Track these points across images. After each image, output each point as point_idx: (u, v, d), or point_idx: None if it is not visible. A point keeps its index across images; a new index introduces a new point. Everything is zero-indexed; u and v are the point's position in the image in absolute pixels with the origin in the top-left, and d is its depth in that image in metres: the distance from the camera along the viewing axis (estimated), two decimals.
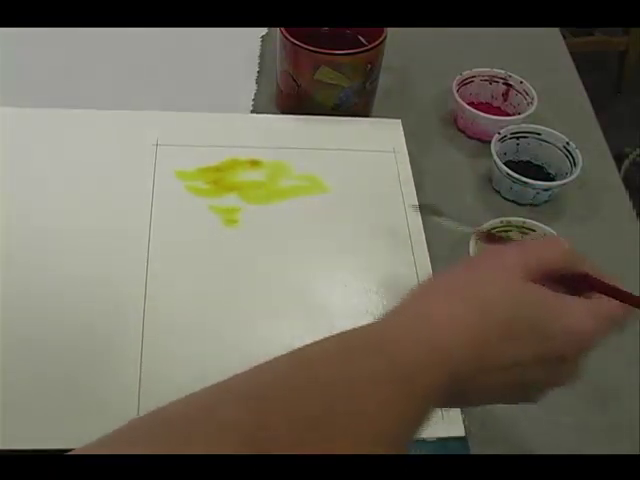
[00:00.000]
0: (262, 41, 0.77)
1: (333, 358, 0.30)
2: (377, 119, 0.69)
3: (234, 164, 0.62)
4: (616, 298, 0.36)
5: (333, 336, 0.31)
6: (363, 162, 0.64)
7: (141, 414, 0.46)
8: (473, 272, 0.35)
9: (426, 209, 0.55)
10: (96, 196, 0.59)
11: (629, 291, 0.36)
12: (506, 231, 0.58)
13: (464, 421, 0.48)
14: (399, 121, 0.68)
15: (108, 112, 0.65)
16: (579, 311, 0.34)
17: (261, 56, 0.76)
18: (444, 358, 0.31)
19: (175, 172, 0.61)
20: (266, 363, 0.30)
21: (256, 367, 0.29)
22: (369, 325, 0.32)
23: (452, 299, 0.33)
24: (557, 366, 0.34)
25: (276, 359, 0.30)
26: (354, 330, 0.31)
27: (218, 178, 0.61)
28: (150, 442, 0.26)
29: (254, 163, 0.63)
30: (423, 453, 0.46)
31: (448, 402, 0.33)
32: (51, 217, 0.57)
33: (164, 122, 0.65)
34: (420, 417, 0.31)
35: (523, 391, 0.35)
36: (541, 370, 0.34)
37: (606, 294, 0.36)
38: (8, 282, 0.52)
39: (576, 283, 0.36)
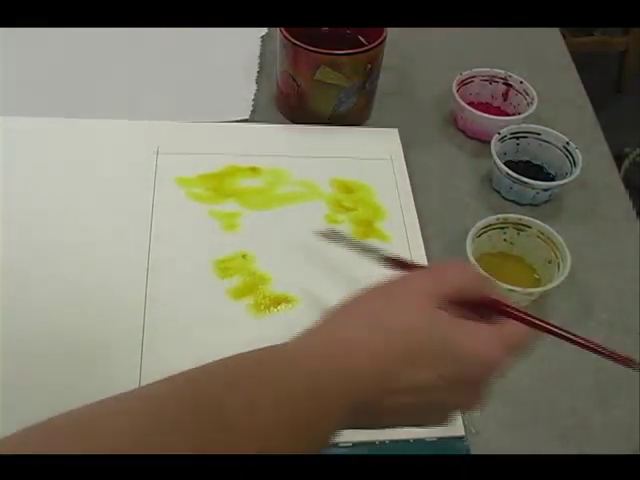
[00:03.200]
0: (262, 41, 0.77)
1: (242, 369, 0.32)
2: (374, 129, 0.69)
3: (234, 171, 0.63)
4: (522, 322, 0.36)
5: (248, 351, 0.32)
6: (361, 169, 0.64)
7: None
8: (384, 299, 0.35)
9: (329, 235, 0.53)
10: (98, 203, 0.59)
11: (533, 315, 0.36)
12: (502, 228, 0.58)
13: (464, 421, 0.48)
14: (396, 130, 0.69)
15: (109, 121, 0.65)
16: (486, 337, 0.34)
17: (261, 56, 0.76)
18: (348, 380, 0.32)
19: (176, 179, 0.61)
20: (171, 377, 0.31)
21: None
22: (281, 344, 0.33)
23: (360, 326, 0.34)
24: (464, 389, 0.35)
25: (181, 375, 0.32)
26: (267, 347, 0.33)
27: (218, 184, 0.61)
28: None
29: (253, 170, 0.63)
30: (423, 453, 0.46)
31: (356, 421, 0.34)
32: (52, 225, 0.57)
33: (165, 131, 0.65)
34: (320, 435, 0.32)
35: (431, 412, 0.36)
36: (447, 393, 0.34)
37: (512, 318, 0.36)
38: (8, 288, 0.52)
39: (483, 307, 0.36)
